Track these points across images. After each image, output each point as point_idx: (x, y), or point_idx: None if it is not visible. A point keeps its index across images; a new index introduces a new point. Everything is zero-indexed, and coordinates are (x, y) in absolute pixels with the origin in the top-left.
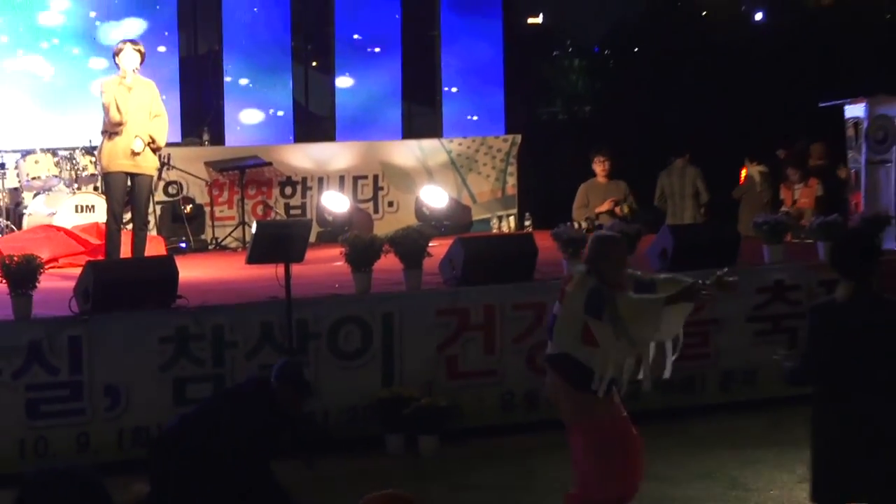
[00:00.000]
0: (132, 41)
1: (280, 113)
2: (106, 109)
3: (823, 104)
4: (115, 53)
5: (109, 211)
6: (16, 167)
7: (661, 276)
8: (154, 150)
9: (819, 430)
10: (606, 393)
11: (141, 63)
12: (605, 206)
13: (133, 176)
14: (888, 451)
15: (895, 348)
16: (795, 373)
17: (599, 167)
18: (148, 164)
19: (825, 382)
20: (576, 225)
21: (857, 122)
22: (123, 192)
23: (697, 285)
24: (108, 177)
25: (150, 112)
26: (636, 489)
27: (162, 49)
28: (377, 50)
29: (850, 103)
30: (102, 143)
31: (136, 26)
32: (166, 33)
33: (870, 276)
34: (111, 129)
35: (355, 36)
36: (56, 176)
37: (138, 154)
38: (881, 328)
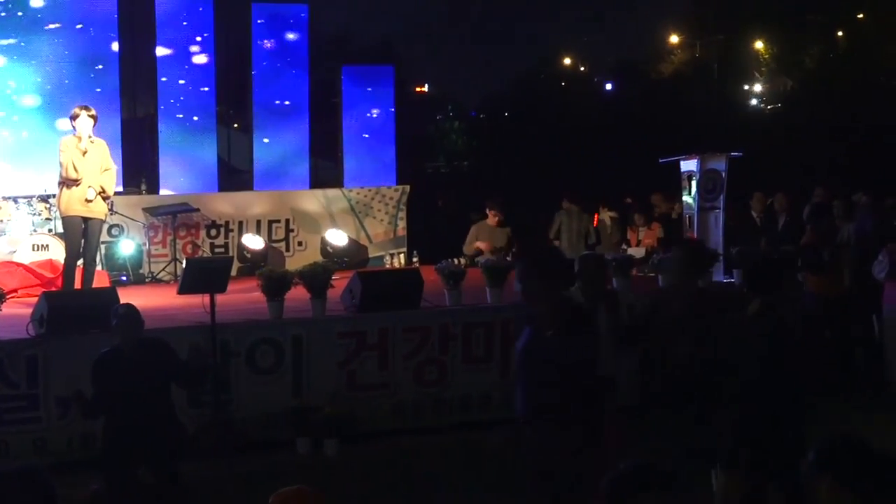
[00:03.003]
0: (86, 107)
1: (206, 166)
2: (64, 167)
3: (663, 160)
4: (73, 117)
5: (68, 249)
6: None
7: None
8: (104, 199)
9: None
10: None
11: (94, 126)
12: (485, 247)
13: (86, 220)
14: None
15: (789, 359)
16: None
17: (492, 216)
18: (99, 209)
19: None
20: (458, 260)
21: (690, 175)
22: (79, 233)
23: None
24: (66, 220)
25: (102, 166)
26: None
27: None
28: (288, 114)
29: (684, 159)
30: (61, 191)
31: (85, 94)
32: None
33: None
34: (68, 182)
35: (270, 102)
36: (15, 220)
37: (91, 201)
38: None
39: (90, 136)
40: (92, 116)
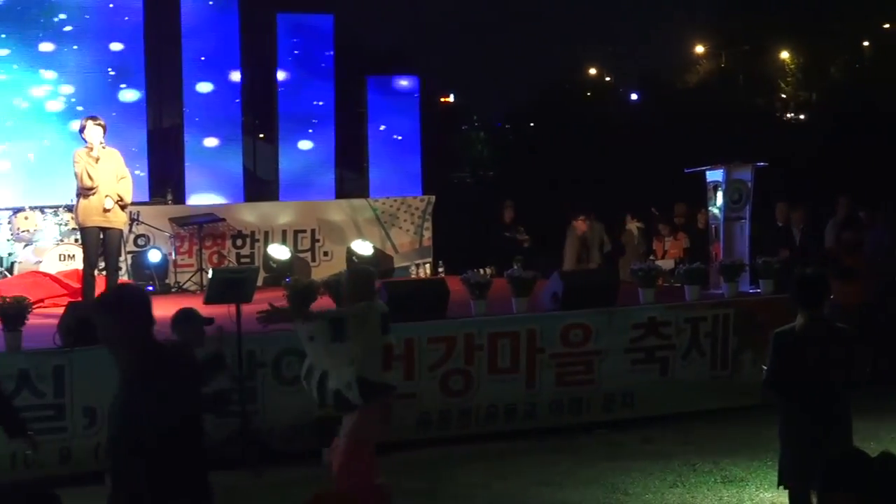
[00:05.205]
0: (93, 118)
1: (232, 177)
2: (79, 177)
3: (688, 170)
4: (81, 129)
5: (86, 259)
6: (8, 222)
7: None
8: (122, 207)
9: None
10: None
11: (104, 134)
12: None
13: (105, 230)
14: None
15: (840, 364)
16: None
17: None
18: (118, 219)
19: (787, 392)
20: (483, 270)
21: (716, 185)
22: (97, 243)
23: None
24: (83, 231)
25: (117, 175)
26: None
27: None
28: (314, 124)
29: (710, 169)
30: (78, 202)
31: (111, 105)
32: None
33: (821, 308)
34: (84, 192)
35: (296, 112)
36: (42, 230)
37: (109, 211)
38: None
39: (101, 144)
40: (100, 125)
